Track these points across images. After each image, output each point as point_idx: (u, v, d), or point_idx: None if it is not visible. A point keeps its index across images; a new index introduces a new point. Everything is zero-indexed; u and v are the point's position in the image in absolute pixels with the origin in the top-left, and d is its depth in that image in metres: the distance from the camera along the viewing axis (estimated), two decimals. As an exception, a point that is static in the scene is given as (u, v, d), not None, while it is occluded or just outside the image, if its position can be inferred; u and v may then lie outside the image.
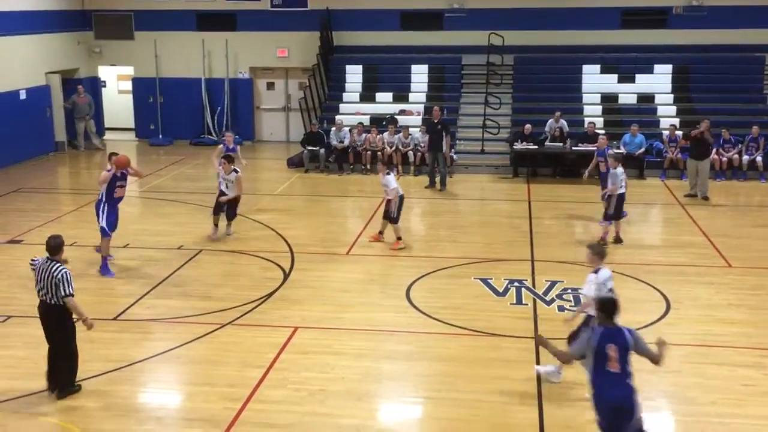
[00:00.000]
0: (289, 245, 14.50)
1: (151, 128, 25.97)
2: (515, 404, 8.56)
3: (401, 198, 14.54)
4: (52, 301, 8.61)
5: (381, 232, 14.74)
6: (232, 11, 25.35)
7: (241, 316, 11.21)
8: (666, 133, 20.86)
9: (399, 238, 14.40)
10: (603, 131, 20.82)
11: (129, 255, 13.88)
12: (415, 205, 17.94)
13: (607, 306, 7.05)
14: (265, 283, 12.53)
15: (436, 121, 19.46)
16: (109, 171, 12.96)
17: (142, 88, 25.90)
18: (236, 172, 14.69)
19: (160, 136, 25.71)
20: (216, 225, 14.81)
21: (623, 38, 23.92)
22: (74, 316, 8.81)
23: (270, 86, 26.33)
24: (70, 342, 8.85)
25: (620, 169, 14.48)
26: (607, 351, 6.75)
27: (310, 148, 21.39)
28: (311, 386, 9.12)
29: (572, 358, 7.22)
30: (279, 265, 13.38)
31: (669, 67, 23.34)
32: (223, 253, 14.00)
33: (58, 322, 8.72)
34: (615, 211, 14.40)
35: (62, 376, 8.82)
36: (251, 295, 11.99)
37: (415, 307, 11.59)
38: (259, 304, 11.65)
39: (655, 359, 7.03)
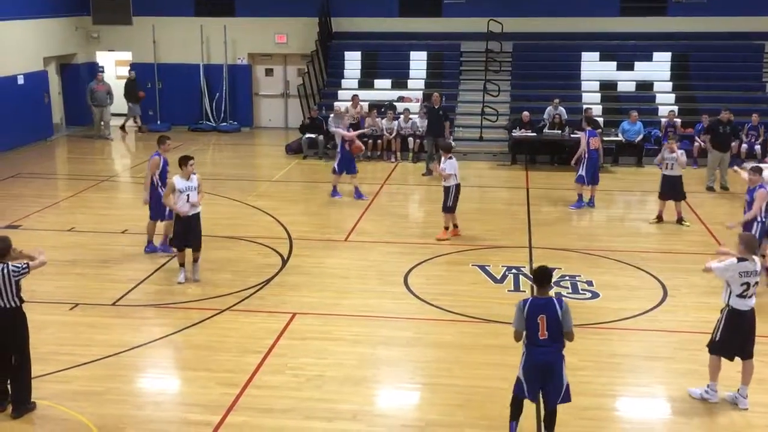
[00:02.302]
0: (287, 231, 14.51)
1: (150, 114, 25.91)
2: (511, 390, 8.58)
3: (458, 186, 14.05)
4: (9, 304, 7.98)
5: (447, 228, 14.18)
6: (230, -3, 25.32)
7: (240, 302, 11.24)
8: (665, 120, 20.81)
9: (446, 228, 14.14)
10: (601, 119, 20.84)
11: (127, 241, 13.89)
12: (414, 192, 17.97)
13: (536, 275, 7.46)
14: (263, 269, 12.55)
15: (437, 107, 19.46)
16: (153, 157, 13.01)
17: (140, 73, 25.81)
18: (194, 174, 11.94)
19: (159, 122, 25.65)
20: (183, 264, 12.02)
21: (622, 25, 23.88)
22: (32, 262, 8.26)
23: (269, 72, 26.27)
24: (27, 349, 8.21)
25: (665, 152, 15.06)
26: (537, 322, 7.19)
27: (308, 134, 21.37)
28: (309, 372, 9.16)
29: (519, 335, 7.41)
30: (277, 251, 13.40)
31: (668, 55, 23.31)
32: (221, 239, 14.00)
33: (16, 326, 8.10)
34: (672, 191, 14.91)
35: (22, 389, 8.21)
36: (249, 281, 12.01)
37: (412, 293, 11.62)
38: (258, 290, 11.68)
39: (569, 337, 7.36)
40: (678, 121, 20.56)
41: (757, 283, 8.33)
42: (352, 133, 16.96)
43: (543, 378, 7.33)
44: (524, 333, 7.34)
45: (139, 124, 25.28)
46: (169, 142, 13.31)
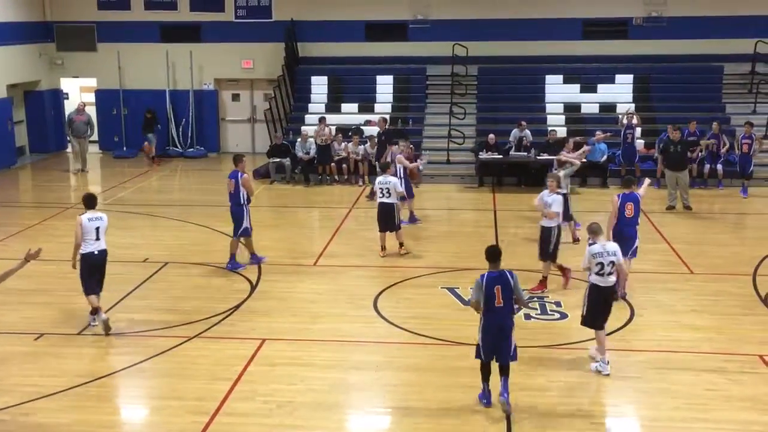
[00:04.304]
0: (255, 257, 14.44)
1: (115, 140, 25.74)
2: (483, 413, 8.61)
3: (379, 205, 14.59)
4: None
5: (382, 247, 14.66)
6: (196, 23, 25.28)
7: (209, 328, 11.16)
8: (624, 120, 20.78)
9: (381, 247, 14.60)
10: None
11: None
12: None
13: (488, 252, 8.88)
14: (232, 295, 12.48)
15: (380, 131, 19.57)
16: (244, 175, 13.76)
17: (105, 100, 25.67)
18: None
19: (125, 149, 25.48)
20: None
21: (585, 49, 24.22)
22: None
23: (235, 97, 26.26)
24: None
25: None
26: (494, 291, 8.56)
27: (275, 159, 21.35)
28: (280, 398, 9.10)
29: (479, 305, 8.64)
30: (246, 277, 13.33)
31: (630, 77, 23.70)
32: (189, 266, 13.91)
33: None
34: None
35: None
36: (218, 307, 11.93)
37: (382, 317, 11.61)
38: (227, 317, 11.61)
39: (521, 303, 9.01)
40: (641, 142, 20.81)
41: (612, 263, 9.59)
42: (413, 164, 17.52)
43: (497, 337, 8.63)
44: (482, 302, 8.56)
45: (153, 154, 24.49)
46: (245, 160, 14.17)
